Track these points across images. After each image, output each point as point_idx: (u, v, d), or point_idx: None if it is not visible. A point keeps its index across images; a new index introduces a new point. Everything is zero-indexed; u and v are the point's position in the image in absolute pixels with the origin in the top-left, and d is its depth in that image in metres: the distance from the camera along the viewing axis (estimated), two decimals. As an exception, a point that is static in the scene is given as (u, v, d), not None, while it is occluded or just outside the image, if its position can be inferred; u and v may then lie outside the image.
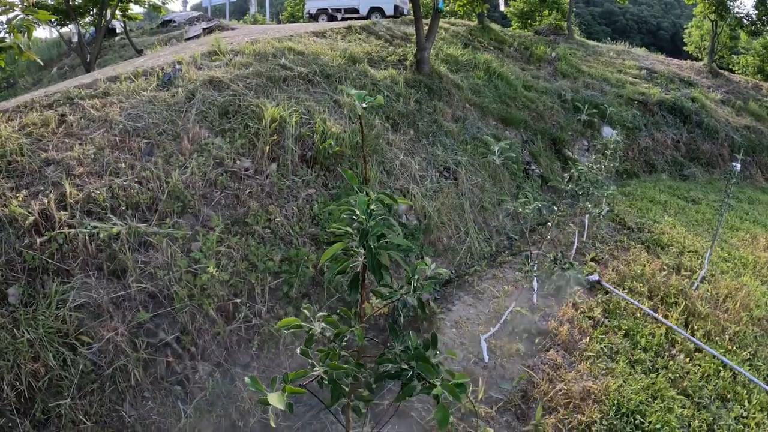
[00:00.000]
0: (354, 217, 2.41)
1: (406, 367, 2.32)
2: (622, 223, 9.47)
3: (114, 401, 4.24)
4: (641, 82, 17.51)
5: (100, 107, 6.02)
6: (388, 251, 2.41)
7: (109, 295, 4.51)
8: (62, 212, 4.76)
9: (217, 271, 4.73)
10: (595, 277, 6.98)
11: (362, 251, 2.44)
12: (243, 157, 6.04)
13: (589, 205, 7.64)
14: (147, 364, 4.39)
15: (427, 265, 2.68)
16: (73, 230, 4.68)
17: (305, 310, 2.61)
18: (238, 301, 4.87)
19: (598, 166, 7.47)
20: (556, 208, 5.95)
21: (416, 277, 2.64)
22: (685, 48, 32.01)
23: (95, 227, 4.76)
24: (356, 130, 6.91)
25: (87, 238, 4.66)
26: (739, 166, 8.18)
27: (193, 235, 5.03)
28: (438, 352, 2.59)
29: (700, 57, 29.09)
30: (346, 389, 2.51)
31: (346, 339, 2.47)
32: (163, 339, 4.49)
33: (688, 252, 8.83)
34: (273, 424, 2.14)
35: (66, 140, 5.48)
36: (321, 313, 2.58)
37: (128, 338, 4.38)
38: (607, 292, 6.87)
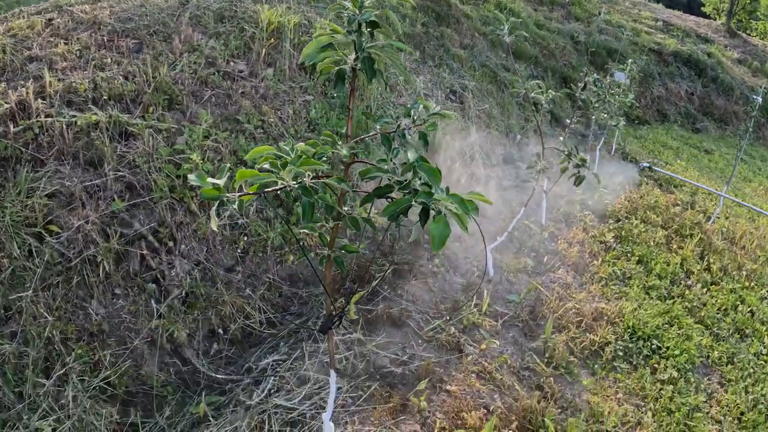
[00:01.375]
0: (343, 8, 2.01)
1: (400, 178, 1.90)
2: (633, 161, 9.06)
3: (81, 297, 3.86)
4: (657, 33, 16.90)
5: (89, 11, 5.59)
6: (383, 49, 2.01)
7: (83, 183, 4.12)
8: (40, 102, 4.37)
9: (201, 161, 4.32)
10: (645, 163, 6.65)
11: (352, 49, 2.03)
12: (237, 59, 5.60)
13: (605, 116, 7.21)
14: (119, 257, 4.01)
15: (429, 105, 2.27)
16: (50, 119, 4.28)
17: (283, 144, 2.20)
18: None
19: (613, 90, 7.03)
20: (568, 120, 5.54)
21: (418, 108, 2.23)
22: (702, 8, 31.10)
23: (74, 116, 4.37)
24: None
25: (64, 126, 4.27)
26: (761, 99, 7.75)
27: (179, 129, 4.63)
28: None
29: (718, 18, 28.26)
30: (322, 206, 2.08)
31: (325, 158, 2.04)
32: (138, 230, 4.11)
33: (702, 192, 8.46)
34: (215, 228, 1.75)
35: (51, 39, 5.07)
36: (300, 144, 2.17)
37: (100, 227, 3.99)
38: (618, 220, 6.50)
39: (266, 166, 1.88)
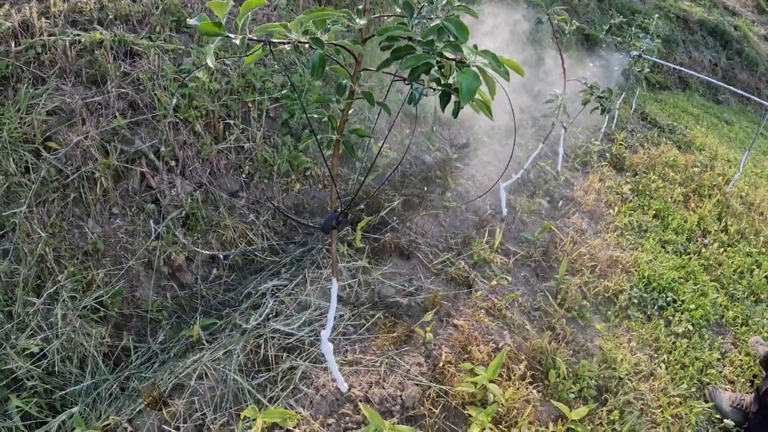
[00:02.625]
0: None
1: (422, 38, 1.66)
2: (653, 122, 8.79)
3: (77, 215, 3.69)
4: (683, 0, 16.38)
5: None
6: None
7: (85, 100, 3.93)
8: (44, 21, 4.16)
9: (208, 81, 4.11)
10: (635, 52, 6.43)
11: None
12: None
13: (637, 70, 6.94)
14: (118, 174, 3.83)
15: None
16: (53, 38, 4.08)
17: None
18: (231, 122, 4.28)
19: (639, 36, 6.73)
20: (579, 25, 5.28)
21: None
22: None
23: (78, 35, 4.17)
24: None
25: (68, 45, 4.07)
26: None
27: (186, 51, 4.42)
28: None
29: (743, -7, 27.53)
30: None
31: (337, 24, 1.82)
32: (140, 147, 3.92)
33: (721, 159, 8.21)
34: (211, 64, 1.55)
35: None
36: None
37: (99, 143, 3.80)
38: (636, 174, 6.28)
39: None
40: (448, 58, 1.53)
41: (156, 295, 3.74)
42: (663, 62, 7.69)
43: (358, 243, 3.97)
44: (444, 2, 2.00)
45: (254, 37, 1.57)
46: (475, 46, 1.56)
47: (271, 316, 3.47)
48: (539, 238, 4.45)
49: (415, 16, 1.73)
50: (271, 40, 1.62)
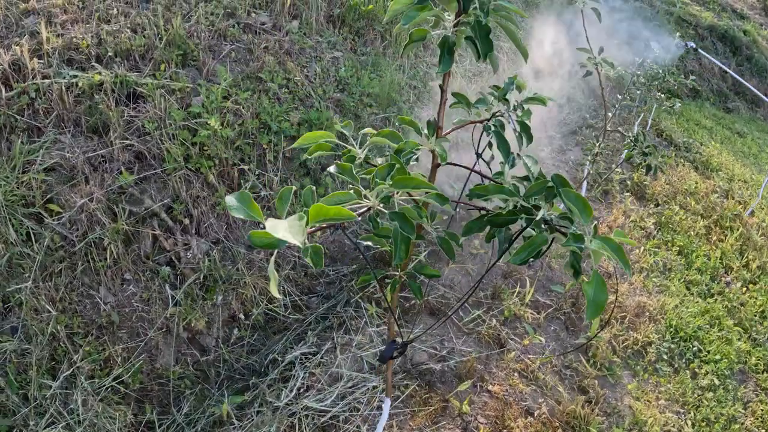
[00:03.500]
0: None
1: (525, 203, 1.44)
2: (668, 139, 8.58)
3: (87, 285, 3.43)
4: (693, 4, 16.14)
5: (94, -45, 5.07)
6: (496, 12, 1.50)
7: (86, 154, 3.68)
8: (37, 61, 3.89)
9: (220, 126, 3.87)
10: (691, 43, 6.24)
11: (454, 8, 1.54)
12: (260, 10, 5.11)
13: (661, 95, 6.75)
14: (129, 238, 3.59)
15: (523, 85, 1.84)
16: (48, 81, 3.81)
17: (340, 126, 1.78)
18: (246, 167, 4.05)
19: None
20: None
21: (512, 89, 1.80)
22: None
23: (75, 76, 3.91)
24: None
25: (64, 89, 3.79)
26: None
27: (195, 88, 4.18)
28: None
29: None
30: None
31: (414, 159, 1.61)
32: (150, 207, 3.68)
33: (738, 180, 8.02)
34: (277, 295, 1.21)
35: None
36: (367, 129, 1.75)
37: (106, 205, 3.55)
38: (657, 204, 6.08)
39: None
40: (560, 232, 1.33)
41: (176, 363, 3.52)
42: (724, 68, 7.43)
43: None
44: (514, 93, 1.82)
45: (318, 226, 1.27)
46: (596, 227, 1.34)
47: (302, 389, 3.27)
48: (569, 290, 4.26)
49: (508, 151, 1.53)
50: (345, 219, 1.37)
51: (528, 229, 1.38)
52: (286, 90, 4.53)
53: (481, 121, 1.78)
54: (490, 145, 1.76)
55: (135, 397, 3.24)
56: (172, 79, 4.16)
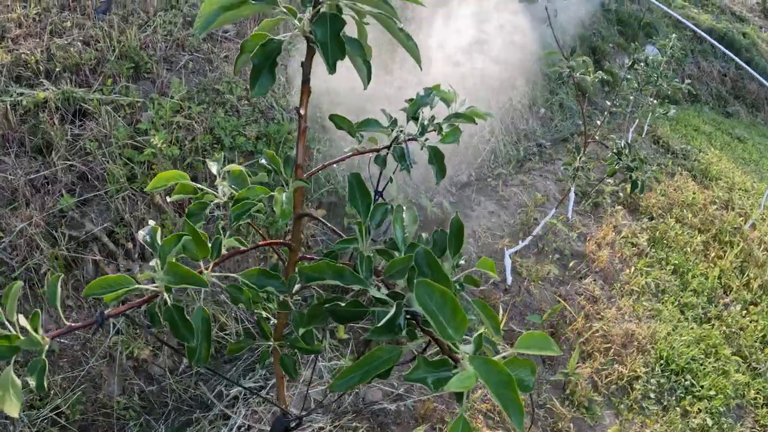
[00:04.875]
0: None
1: (383, 296, 1.04)
2: (665, 146, 8.24)
3: (27, 312, 3.18)
4: (691, 7, 15.81)
5: (52, -37, 4.78)
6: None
7: (29, 176, 3.40)
8: None
9: (165, 145, 3.53)
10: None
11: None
12: (223, 16, 4.80)
13: (654, 101, 6.42)
14: (69, 263, 3.32)
15: (450, 97, 1.49)
16: None
17: (210, 162, 1.44)
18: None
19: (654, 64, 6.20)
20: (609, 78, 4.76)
21: (427, 106, 1.46)
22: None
23: (21, 94, 3.63)
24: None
25: (9, 108, 3.54)
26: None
27: (145, 103, 3.87)
28: (462, 261, 1.27)
29: (750, -5, 26.95)
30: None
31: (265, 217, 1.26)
32: (91, 231, 3.38)
33: (738, 189, 7.68)
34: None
35: (9, 3, 4.32)
36: (232, 166, 1.41)
37: (45, 230, 3.28)
38: (652, 217, 5.73)
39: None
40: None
41: (122, 393, 3.24)
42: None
43: (342, 334, 3.44)
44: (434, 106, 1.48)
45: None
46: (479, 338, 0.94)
47: (242, 429, 2.96)
48: (548, 319, 3.92)
49: (368, 223, 1.17)
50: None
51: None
52: (246, 102, 4.19)
53: (373, 150, 1.44)
54: (390, 180, 1.42)
55: (77, 429, 2.95)
56: (121, 94, 3.85)
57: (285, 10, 1.05)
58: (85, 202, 3.47)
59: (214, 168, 1.36)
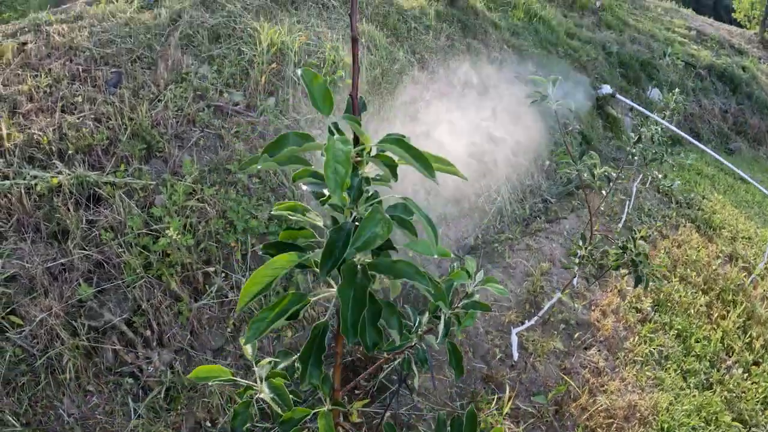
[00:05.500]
0: (322, 195, 1.28)
1: None
2: (669, 195, 8.32)
3: (50, 397, 3.31)
4: (690, 43, 15.99)
5: (67, 32, 4.92)
6: (398, 277, 1.25)
7: (45, 264, 3.50)
8: None
9: (180, 235, 3.63)
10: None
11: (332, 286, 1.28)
12: (233, 89, 4.90)
13: (659, 176, 6.54)
14: (89, 352, 3.42)
15: (469, 273, 1.57)
16: (8, 182, 3.66)
17: (247, 348, 1.53)
18: (211, 270, 3.81)
19: (656, 127, 6.29)
20: (613, 175, 4.84)
21: (448, 301, 1.53)
22: (733, 15, 29.90)
23: (35, 177, 3.74)
24: (375, 62, 5.75)
25: (23, 192, 3.65)
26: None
27: (158, 185, 3.97)
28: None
29: (748, 26, 27.17)
30: None
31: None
32: (110, 321, 3.47)
33: (742, 238, 7.75)
34: None
35: (20, 72, 4.45)
36: (268, 364, 1.49)
37: (65, 320, 3.39)
38: (656, 279, 5.78)
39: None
40: None
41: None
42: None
43: (355, 418, 3.50)
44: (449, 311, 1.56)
45: None
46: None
47: None
48: (552, 398, 3.97)
49: None
50: None
51: None
52: (257, 179, 4.30)
53: (397, 352, 1.51)
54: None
55: None
56: (134, 177, 3.96)
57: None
58: (102, 292, 3.56)
59: (249, 350, 1.44)
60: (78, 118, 4.21)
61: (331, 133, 1.19)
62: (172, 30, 5.25)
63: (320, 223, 1.34)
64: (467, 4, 8.65)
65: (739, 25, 27.58)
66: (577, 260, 3.81)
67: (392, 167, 1.17)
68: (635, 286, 3.55)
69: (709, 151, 8.20)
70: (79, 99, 4.35)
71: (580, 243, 3.81)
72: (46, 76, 4.47)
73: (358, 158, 1.17)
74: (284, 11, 6.24)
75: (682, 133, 6.38)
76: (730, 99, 14.96)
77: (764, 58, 19.71)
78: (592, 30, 12.41)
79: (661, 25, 16.40)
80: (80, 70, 4.63)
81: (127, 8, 5.53)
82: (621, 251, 3.60)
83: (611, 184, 3.95)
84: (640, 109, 6.02)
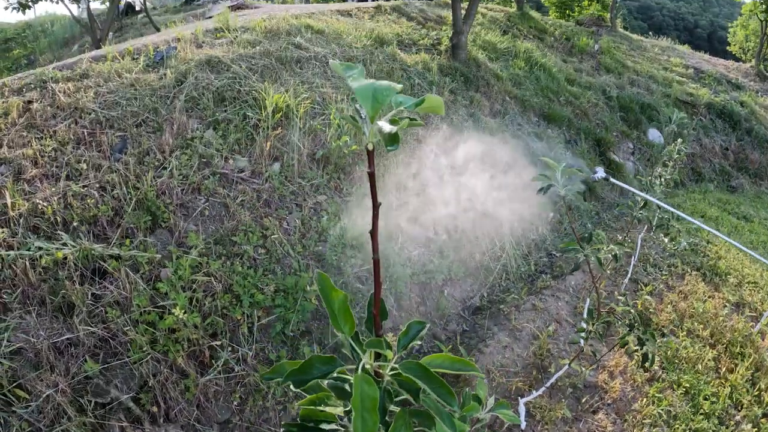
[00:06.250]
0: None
1: None
2: (674, 240, 8.32)
3: None
4: (688, 82, 16.17)
5: (72, 92, 5.01)
6: None
7: (51, 339, 3.52)
8: (1, 229, 3.80)
9: (186, 314, 3.66)
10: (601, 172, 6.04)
11: None
12: (238, 155, 4.98)
13: (666, 240, 6.56)
14: (96, 429, 3.41)
15: (480, 400, 1.59)
16: (12, 252, 3.69)
17: None
18: (217, 344, 3.83)
19: (660, 180, 6.35)
20: (618, 253, 4.87)
21: None
22: (728, 48, 30.36)
23: (40, 248, 3.77)
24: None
25: (28, 264, 3.67)
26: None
27: (163, 258, 4.00)
28: None
29: (743, 58, 27.53)
30: None
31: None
32: (117, 398, 3.47)
33: (748, 283, 7.71)
34: None
35: (25, 133, 4.51)
36: None
37: (71, 397, 3.39)
38: (663, 334, 5.77)
39: None
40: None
41: None
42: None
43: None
44: None
45: None
46: None
47: None
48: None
49: None
50: None
51: None
52: (263, 250, 4.34)
53: None
54: None
55: None
56: (139, 249, 3.99)
57: None
58: (108, 368, 3.57)
59: None
60: (83, 187, 4.25)
61: (352, 351, 1.22)
62: (177, 92, 5.35)
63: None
64: (469, 56, 8.80)
65: (735, 57, 27.99)
66: (584, 335, 3.81)
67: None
68: (642, 364, 3.54)
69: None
70: (84, 166, 4.40)
71: (585, 316, 3.81)
72: (51, 139, 4.52)
73: (380, 369, 1.20)
74: (289, 71, 6.36)
75: (675, 211, 6.37)
76: (730, 136, 15.06)
77: (761, 90, 19.87)
78: (591, 74, 12.59)
79: (659, 65, 16.62)
80: (85, 133, 4.70)
81: (133, 67, 5.64)
82: (628, 329, 3.60)
83: (617, 262, 3.96)
84: (633, 190, 6.05)
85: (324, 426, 1.32)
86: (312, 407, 1.33)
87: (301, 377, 1.17)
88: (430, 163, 6.02)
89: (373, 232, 1.31)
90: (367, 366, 1.19)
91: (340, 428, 1.33)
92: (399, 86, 1.10)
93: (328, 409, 1.31)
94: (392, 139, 1.14)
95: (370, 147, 1.18)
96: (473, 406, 1.66)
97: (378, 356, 1.25)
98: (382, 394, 1.20)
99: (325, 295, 1.24)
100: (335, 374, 1.17)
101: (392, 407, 1.21)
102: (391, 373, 1.22)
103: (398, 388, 1.20)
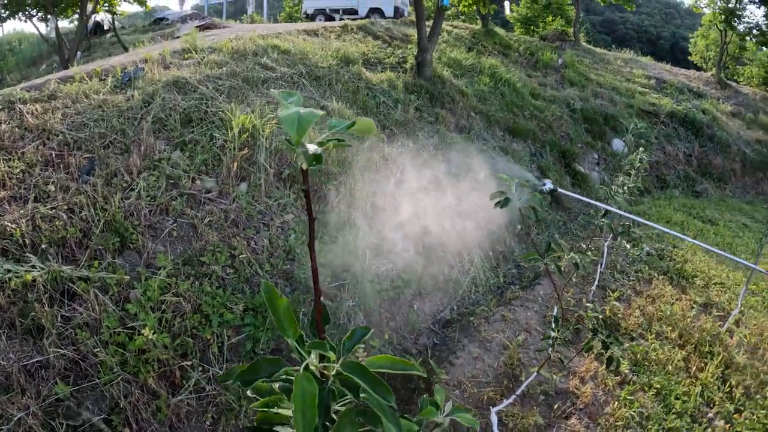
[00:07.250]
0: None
1: None
2: (640, 246, 8.48)
3: None
4: (651, 92, 16.59)
5: (40, 113, 4.99)
6: None
7: (21, 362, 3.49)
8: None
9: (155, 334, 3.66)
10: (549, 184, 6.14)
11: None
12: (205, 176, 5.00)
13: (628, 246, 6.69)
14: (67, 451, 3.38)
15: (438, 405, 1.64)
16: None
17: None
18: (188, 364, 3.82)
19: (622, 189, 6.50)
20: (579, 261, 4.97)
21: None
22: (689, 58, 31.21)
23: (8, 271, 3.74)
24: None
25: None
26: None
27: (132, 279, 4.00)
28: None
29: (704, 67, 28.33)
30: None
31: None
32: (89, 420, 3.45)
33: (714, 284, 7.89)
34: None
35: None
36: None
37: (43, 420, 3.35)
38: (632, 338, 5.88)
39: None
40: None
41: None
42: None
43: None
44: None
45: None
46: None
47: None
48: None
49: None
50: None
51: None
52: (231, 269, 4.35)
53: None
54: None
55: None
56: (108, 271, 3.98)
57: None
58: (79, 390, 3.55)
59: None
60: (51, 209, 4.23)
61: (298, 354, 1.28)
62: (144, 113, 5.36)
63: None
64: (434, 73, 8.94)
65: (696, 67, 28.77)
66: (551, 341, 3.88)
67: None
68: (607, 367, 3.61)
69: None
70: (52, 187, 4.39)
71: (553, 324, 3.89)
72: (19, 161, 4.50)
73: (325, 370, 1.26)
74: (255, 91, 6.41)
75: (635, 218, 6.53)
76: (693, 142, 15.45)
77: (723, 98, 20.45)
78: (556, 88, 12.86)
79: (622, 77, 17.02)
80: (53, 155, 4.68)
81: (101, 88, 5.64)
82: (592, 333, 3.68)
83: (579, 269, 4.05)
84: (585, 199, 6.19)
85: (278, 429, 1.36)
86: (267, 410, 1.37)
87: (250, 377, 1.22)
88: (396, 179, 6.09)
89: (311, 244, 1.39)
90: (312, 367, 1.24)
91: (293, 429, 1.37)
92: (321, 113, 1.20)
93: (281, 411, 1.35)
94: (315, 159, 1.24)
95: (305, 166, 1.26)
96: (430, 410, 1.71)
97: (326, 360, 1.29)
98: (326, 393, 1.25)
99: (271, 302, 1.30)
100: (283, 375, 1.23)
101: (339, 407, 1.26)
102: (335, 373, 1.27)
103: (341, 387, 1.25)
